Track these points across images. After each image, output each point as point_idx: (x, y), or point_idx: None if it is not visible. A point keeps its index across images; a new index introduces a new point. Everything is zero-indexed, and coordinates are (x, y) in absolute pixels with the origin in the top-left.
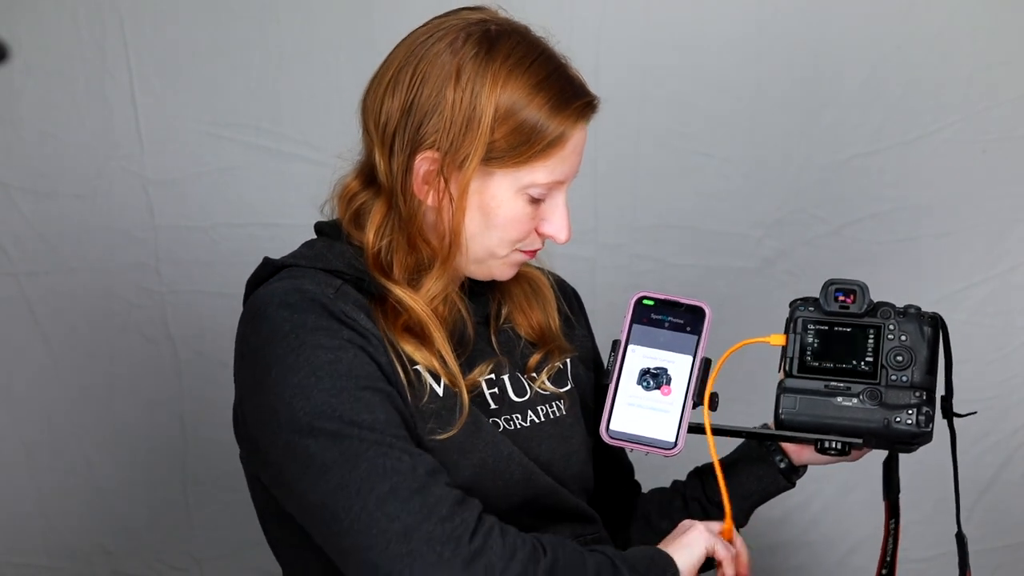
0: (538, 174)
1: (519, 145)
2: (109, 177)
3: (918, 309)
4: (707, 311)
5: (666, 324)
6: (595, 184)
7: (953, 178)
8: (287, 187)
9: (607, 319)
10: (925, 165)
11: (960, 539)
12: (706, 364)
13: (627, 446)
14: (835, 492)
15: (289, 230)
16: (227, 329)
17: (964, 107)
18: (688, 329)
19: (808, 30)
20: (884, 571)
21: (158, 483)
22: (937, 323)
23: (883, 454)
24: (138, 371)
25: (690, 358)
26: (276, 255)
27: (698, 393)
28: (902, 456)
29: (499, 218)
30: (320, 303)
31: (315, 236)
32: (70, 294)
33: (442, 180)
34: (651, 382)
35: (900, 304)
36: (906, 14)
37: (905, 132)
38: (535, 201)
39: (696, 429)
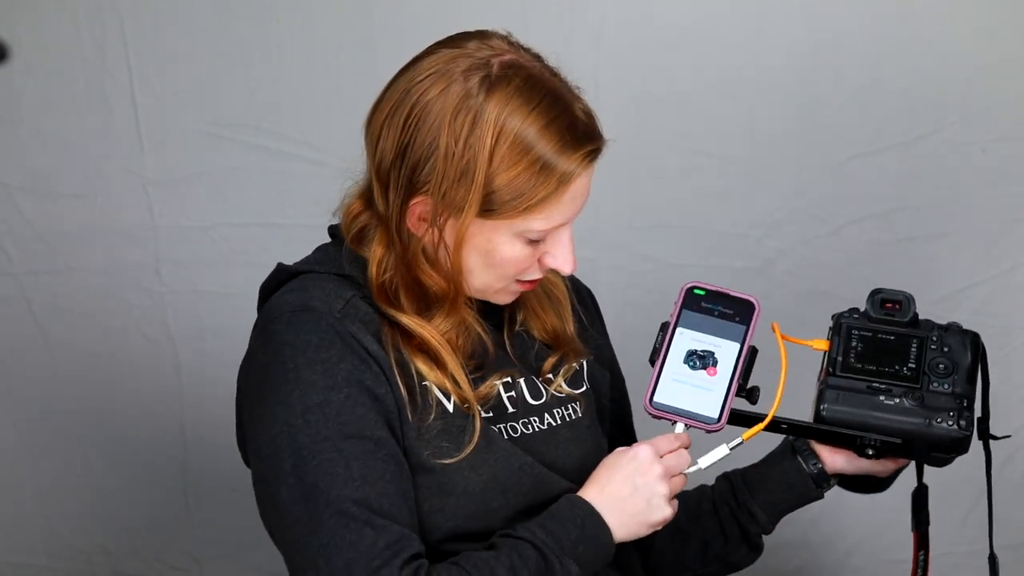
0: (534, 223)
1: (513, 199)
2: (109, 177)
3: (959, 326)
4: (756, 305)
5: (716, 313)
6: (595, 184)
7: (953, 178)
8: (287, 187)
9: (607, 319)
10: (925, 165)
11: (992, 561)
12: (753, 352)
13: (669, 418)
14: (834, 493)
15: (289, 230)
16: (227, 329)
17: (964, 107)
18: (737, 319)
19: (808, 30)
20: None
21: (158, 483)
22: (978, 340)
23: (912, 484)
24: (138, 371)
25: (737, 345)
26: (276, 255)
27: (743, 377)
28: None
29: (495, 259)
30: (326, 324)
31: (329, 239)
32: (70, 294)
33: (436, 230)
34: (697, 362)
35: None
36: (906, 14)
37: (905, 132)
38: (534, 241)
39: (742, 419)
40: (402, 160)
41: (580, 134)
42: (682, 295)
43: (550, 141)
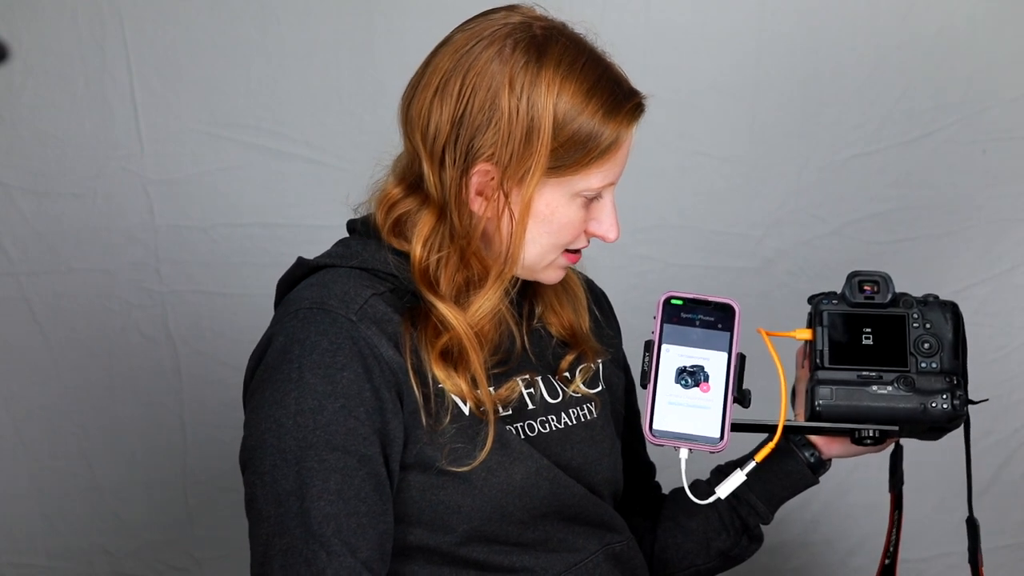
0: (593, 179)
1: (575, 153)
2: (109, 177)
3: (936, 297)
4: (736, 308)
5: (697, 322)
6: None
7: (953, 178)
8: (287, 187)
9: None
10: (925, 165)
11: (972, 524)
12: (742, 360)
13: (672, 444)
14: (834, 493)
15: (289, 230)
16: (227, 329)
17: (964, 107)
18: (720, 326)
19: (808, 30)
20: (887, 561)
21: (158, 483)
22: (957, 310)
23: (889, 449)
24: (138, 371)
25: (725, 354)
26: (275, 255)
27: (736, 390)
28: (910, 452)
29: (554, 224)
30: (339, 327)
31: (347, 234)
32: (70, 294)
33: (501, 194)
34: (689, 380)
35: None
36: (906, 14)
37: (905, 132)
38: (587, 203)
39: (743, 428)
40: (459, 129)
41: (626, 89)
42: (661, 308)
43: (603, 95)
